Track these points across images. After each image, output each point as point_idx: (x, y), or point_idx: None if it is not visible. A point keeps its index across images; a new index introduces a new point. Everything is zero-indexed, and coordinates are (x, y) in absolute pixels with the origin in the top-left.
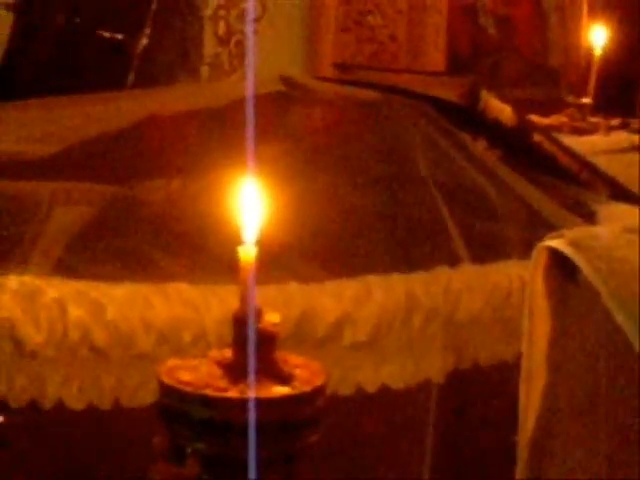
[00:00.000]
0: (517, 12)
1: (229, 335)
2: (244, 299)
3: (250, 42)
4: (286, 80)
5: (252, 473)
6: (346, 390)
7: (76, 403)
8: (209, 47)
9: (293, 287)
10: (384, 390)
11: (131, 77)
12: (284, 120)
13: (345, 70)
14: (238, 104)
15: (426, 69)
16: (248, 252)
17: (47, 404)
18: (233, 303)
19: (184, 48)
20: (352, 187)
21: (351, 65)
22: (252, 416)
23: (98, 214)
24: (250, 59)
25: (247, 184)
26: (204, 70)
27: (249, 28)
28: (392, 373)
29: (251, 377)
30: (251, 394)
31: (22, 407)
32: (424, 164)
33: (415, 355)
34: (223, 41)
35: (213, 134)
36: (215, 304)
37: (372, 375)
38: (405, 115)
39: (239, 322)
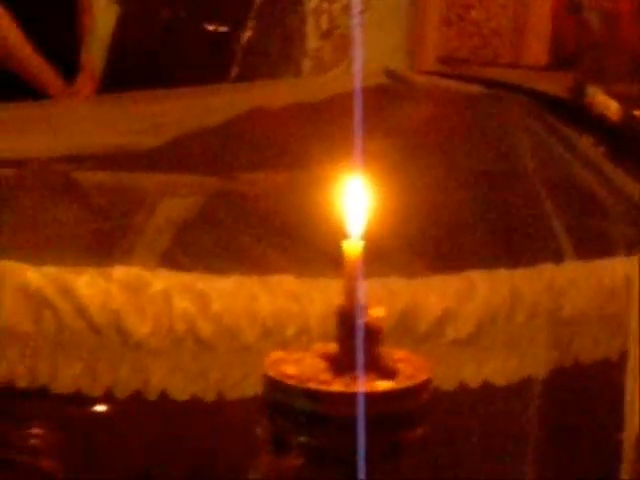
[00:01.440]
0: (621, 7)
1: (332, 329)
2: (349, 293)
3: (357, 35)
4: (390, 74)
5: (361, 470)
6: (448, 386)
7: (180, 394)
8: (311, 41)
9: (396, 282)
10: (486, 386)
11: (234, 70)
12: (388, 114)
13: (449, 64)
14: (342, 97)
15: (529, 64)
16: (354, 246)
17: (151, 395)
18: (336, 297)
19: (287, 41)
20: (456, 182)
21: (455, 59)
22: (360, 410)
23: (203, 206)
24: (357, 53)
25: (353, 178)
26: (306, 63)
27: (355, 21)
28: (495, 369)
29: (359, 371)
30: (360, 388)
31: (127, 397)
32: (529, 159)
33: (518, 351)
34: (325, 35)
35: (317, 127)
36: (318, 297)
37: (474, 371)
38: (510, 110)
39: (344, 316)
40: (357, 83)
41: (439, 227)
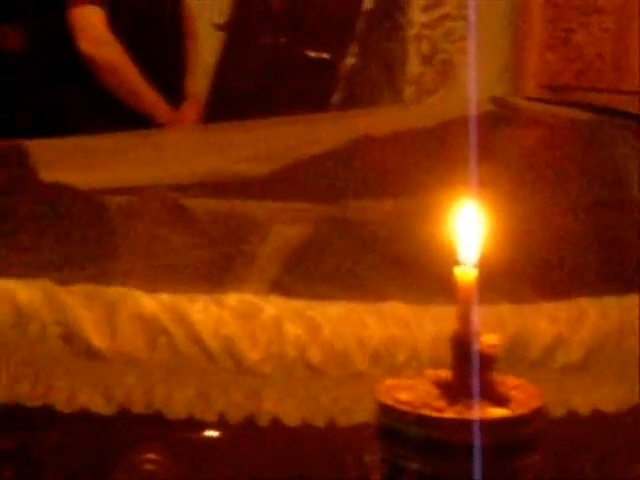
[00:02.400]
0: None
1: (442, 355)
2: (463, 320)
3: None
4: (497, 100)
5: None
6: (558, 412)
7: (292, 420)
8: (413, 66)
9: (507, 308)
10: (596, 413)
11: (336, 96)
12: (497, 140)
13: (552, 90)
14: (450, 124)
15: (633, 88)
16: (466, 273)
17: (263, 420)
18: (446, 323)
19: (388, 67)
20: (565, 208)
21: (557, 84)
22: (477, 437)
23: (313, 234)
24: (472, 82)
25: (466, 205)
26: (408, 89)
27: (469, 44)
28: (605, 396)
29: (475, 398)
30: (475, 415)
31: (239, 422)
32: (638, 186)
33: (628, 378)
34: (427, 60)
35: (426, 154)
36: (428, 324)
37: (584, 398)
38: (619, 136)
39: (458, 343)
40: (466, 110)
41: (549, 254)
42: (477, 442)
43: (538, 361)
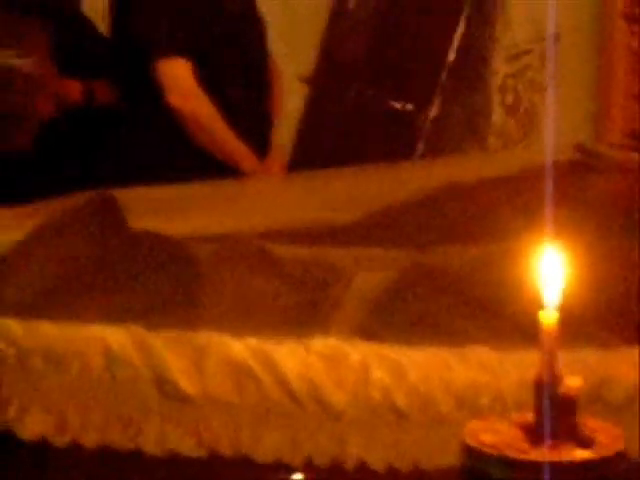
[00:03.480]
0: None
1: (526, 399)
2: (546, 363)
3: (549, 112)
4: (580, 148)
5: None
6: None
7: (377, 464)
8: (497, 116)
9: (590, 353)
10: None
11: (420, 147)
12: (581, 187)
13: (636, 137)
14: (533, 171)
15: None
16: (550, 317)
17: (349, 464)
18: (530, 367)
19: (472, 118)
20: None
21: None
22: (552, 478)
23: (398, 279)
24: (549, 130)
25: (547, 249)
26: (492, 139)
27: (548, 96)
28: None
29: (548, 440)
30: (553, 457)
31: (325, 466)
32: None
33: None
34: (511, 110)
35: (510, 200)
36: (512, 368)
37: None
38: None
39: (540, 386)
40: (548, 158)
41: (631, 298)
42: None
43: (621, 406)
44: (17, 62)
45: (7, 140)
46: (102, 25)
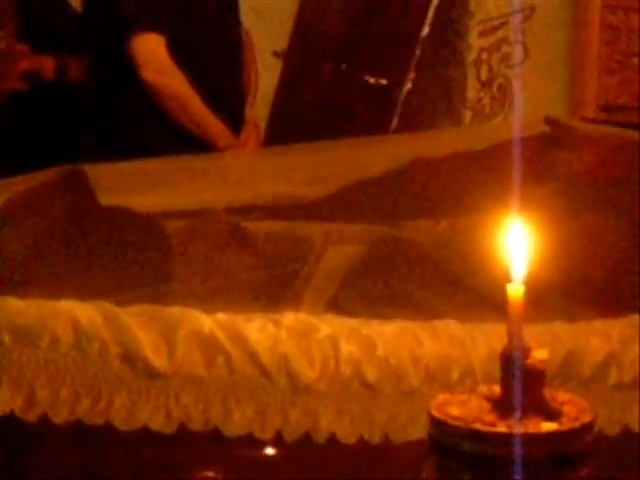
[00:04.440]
0: None
1: (496, 372)
2: (513, 336)
3: (519, 84)
4: (551, 122)
5: None
6: (612, 430)
7: (348, 437)
8: (471, 91)
9: (560, 326)
10: None
11: (395, 121)
12: (551, 161)
13: (610, 111)
14: (503, 146)
15: None
16: (516, 290)
17: (320, 438)
18: (499, 341)
19: (447, 92)
20: (618, 228)
21: (615, 106)
22: (526, 451)
23: (368, 254)
24: (518, 102)
25: (514, 223)
26: (466, 114)
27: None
28: None
29: (516, 413)
30: (520, 429)
31: (295, 441)
32: None
33: None
34: (485, 85)
35: (479, 175)
36: (482, 341)
37: (638, 415)
38: None
39: (507, 359)
40: (517, 131)
41: (600, 272)
42: (526, 455)
43: (591, 378)
44: None
45: None
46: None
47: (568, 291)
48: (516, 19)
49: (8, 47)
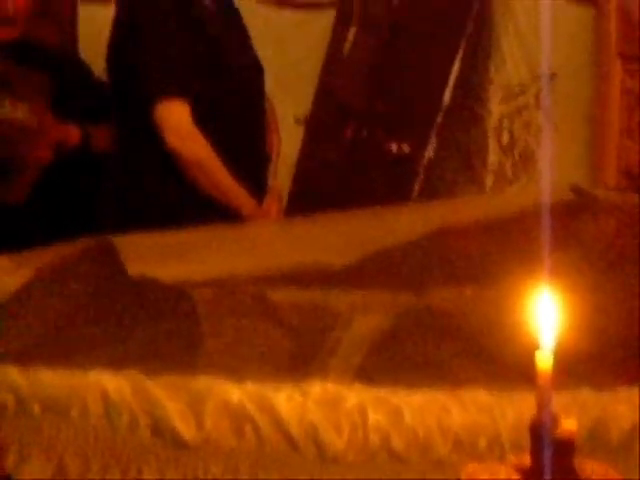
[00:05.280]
0: None
1: (524, 440)
2: (541, 406)
3: (545, 153)
4: (576, 189)
5: None
6: None
7: None
8: (493, 156)
9: (587, 393)
10: None
11: (416, 187)
12: (575, 229)
13: (632, 177)
14: (528, 213)
15: None
16: (545, 359)
17: None
18: (527, 409)
19: (468, 158)
20: None
21: (637, 172)
22: None
23: (395, 322)
24: (543, 169)
25: (542, 292)
26: (488, 179)
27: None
28: None
29: None
30: None
31: None
32: None
33: None
34: (507, 150)
35: (504, 243)
36: (510, 410)
37: None
38: None
39: (537, 429)
40: (543, 199)
41: (627, 339)
42: None
43: (619, 446)
44: (14, 113)
45: (5, 190)
46: (98, 66)
47: (595, 358)
48: (537, 85)
49: (40, 122)
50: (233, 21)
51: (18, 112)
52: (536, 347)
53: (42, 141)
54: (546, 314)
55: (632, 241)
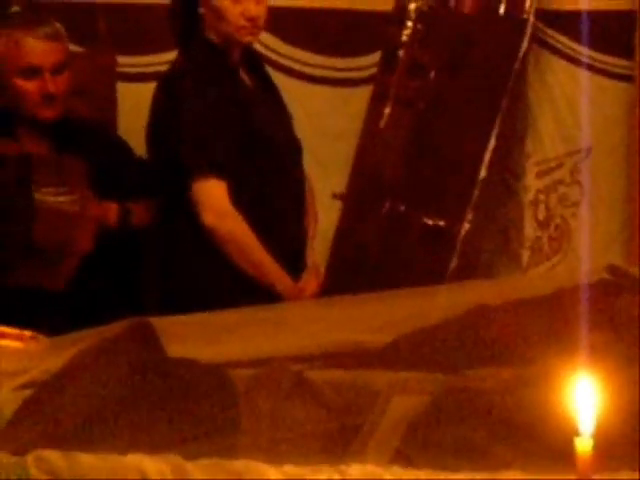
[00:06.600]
0: None
1: None
2: None
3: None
4: (612, 269)
5: None
6: None
7: None
8: (529, 231)
9: (627, 476)
10: None
11: (454, 262)
12: (611, 308)
13: None
14: (564, 293)
15: None
16: (585, 444)
17: None
18: None
19: (504, 232)
20: None
21: None
22: None
23: (433, 403)
24: (582, 249)
25: (581, 375)
26: (524, 254)
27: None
28: None
29: None
30: None
31: None
32: None
33: None
34: (543, 225)
35: (540, 323)
36: None
37: None
38: None
39: None
40: (581, 279)
41: None
42: None
43: None
44: (59, 200)
45: (47, 276)
46: (138, 143)
47: (634, 440)
48: (573, 160)
49: (81, 208)
50: (271, 99)
51: (60, 198)
52: (574, 431)
53: (84, 227)
54: (585, 399)
55: None
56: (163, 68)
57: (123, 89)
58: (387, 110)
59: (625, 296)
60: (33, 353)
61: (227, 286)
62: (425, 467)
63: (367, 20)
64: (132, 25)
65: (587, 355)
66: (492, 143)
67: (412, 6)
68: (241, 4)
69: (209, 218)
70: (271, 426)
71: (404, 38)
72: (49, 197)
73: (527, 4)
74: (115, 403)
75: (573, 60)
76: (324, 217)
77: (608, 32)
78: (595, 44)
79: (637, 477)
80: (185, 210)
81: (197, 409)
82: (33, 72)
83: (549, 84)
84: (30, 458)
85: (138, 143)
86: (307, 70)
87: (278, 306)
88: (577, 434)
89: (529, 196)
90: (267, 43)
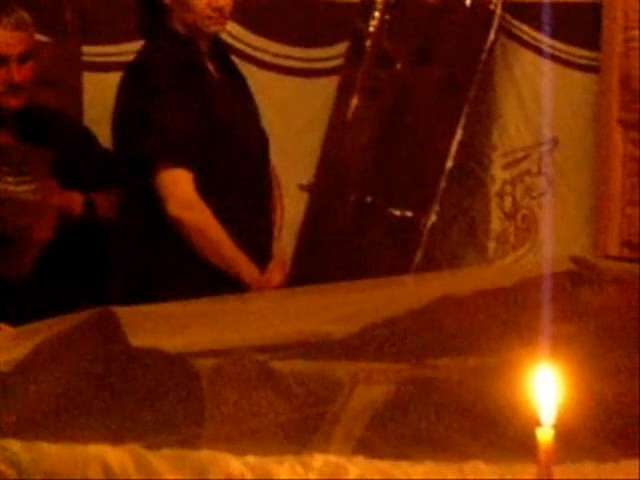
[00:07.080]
0: None
1: None
2: (543, 479)
3: (547, 222)
4: (577, 260)
5: None
6: None
7: None
8: (495, 222)
9: (588, 466)
10: None
11: (420, 253)
12: (576, 300)
13: (634, 247)
14: (529, 283)
15: None
16: (546, 434)
17: None
18: None
19: (471, 224)
20: None
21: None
22: None
23: (396, 394)
24: (548, 240)
25: (543, 366)
26: (490, 245)
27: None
28: None
29: None
30: None
31: None
32: None
33: None
34: (509, 216)
35: (505, 313)
36: None
37: None
38: None
39: None
40: (544, 269)
41: (629, 411)
42: None
43: None
44: (17, 189)
45: (8, 265)
46: (104, 133)
47: (596, 431)
48: (539, 151)
49: (43, 197)
50: (238, 89)
51: (21, 187)
52: (536, 421)
53: (45, 216)
54: (546, 390)
55: (633, 312)
56: (129, 58)
57: (89, 79)
58: (354, 101)
59: (588, 287)
60: None
61: (192, 276)
62: (388, 457)
63: (334, 10)
64: (98, 15)
65: (549, 346)
66: (459, 134)
67: None
68: None
69: (174, 209)
70: (235, 416)
71: (371, 29)
72: (10, 186)
73: None
74: (78, 393)
75: (540, 51)
76: (291, 208)
77: (574, 23)
78: (561, 35)
79: (599, 467)
80: (150, 200)
81: (160, 399)
82: None
83: (516, 75)
84: None
85: (104, 133)
86: (274, 60)
87: (243, 296)
88: (538, 424)
89: (495, 187)
90: (234, 33)
